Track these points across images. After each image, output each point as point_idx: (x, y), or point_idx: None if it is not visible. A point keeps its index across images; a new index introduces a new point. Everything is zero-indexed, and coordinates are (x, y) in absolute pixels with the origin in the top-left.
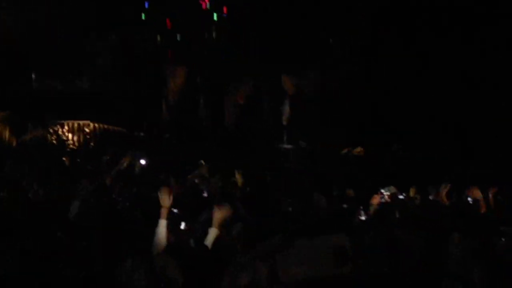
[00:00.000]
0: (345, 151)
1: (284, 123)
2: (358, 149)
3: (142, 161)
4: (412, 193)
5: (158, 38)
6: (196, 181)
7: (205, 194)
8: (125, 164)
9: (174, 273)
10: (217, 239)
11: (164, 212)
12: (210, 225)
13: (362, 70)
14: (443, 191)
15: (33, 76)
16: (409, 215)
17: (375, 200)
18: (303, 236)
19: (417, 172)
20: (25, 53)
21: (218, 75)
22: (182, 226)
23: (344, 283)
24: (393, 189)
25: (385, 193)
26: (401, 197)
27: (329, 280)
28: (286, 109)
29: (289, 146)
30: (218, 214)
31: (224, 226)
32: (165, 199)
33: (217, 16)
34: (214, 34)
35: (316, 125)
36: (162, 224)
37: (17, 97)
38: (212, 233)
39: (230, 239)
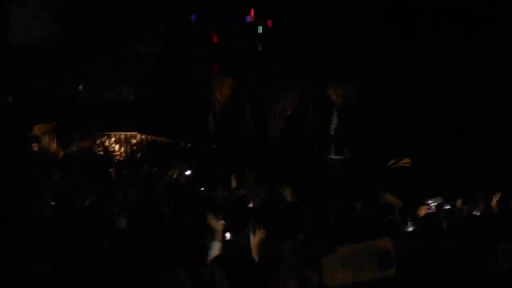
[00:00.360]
0: (392, 162)
1: (331, 133)
2: (406, 160)
3: (187, 172)
4: (459, 203)
5: (204, 51)
6: (242, 192)
7: (251, 205)
8: (173, 176)
9: (222, 284)
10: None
11: (219, 235)
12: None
13: (409, 82)
14: (495, 200)
15: (80, 87)
16: (456, 226)
17: (422, 211)
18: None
19: (463, 182)
20: (70, 63)
21: (264, 86)
22: (228, 236)
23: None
24: (439, 199)
25: (432, 204)
26: (447, 207)
27: (374, 285)
28: (333, 119)
29: (335, 157)
30: (255, 240)
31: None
32: (216, 224)
33: (262, 29)
34: (259, 47)
35: (362, 135)
36: (217, 247)
37: (64, 108)
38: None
39: (277, 251)
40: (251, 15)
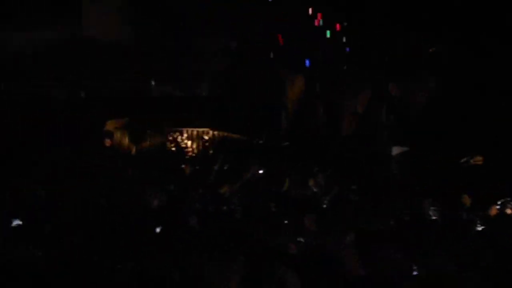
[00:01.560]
0: (464, 159)
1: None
2: (478, 158)
3: (260, 171)
4: None
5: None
6: (314, 189)
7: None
8: (250, 175)
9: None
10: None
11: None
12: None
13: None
14: None
15: (152, 82)
16: None
17: (493, 211)
18: None
19: None
20: (144, 59)
21: (335, 84)
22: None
23: None
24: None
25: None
26: None
27: None
28: (397, 115)
29: (397, 151)
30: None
31: None
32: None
33: (330, 33)
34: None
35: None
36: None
37: (137, 104)
38: None
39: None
40: (318, 19)
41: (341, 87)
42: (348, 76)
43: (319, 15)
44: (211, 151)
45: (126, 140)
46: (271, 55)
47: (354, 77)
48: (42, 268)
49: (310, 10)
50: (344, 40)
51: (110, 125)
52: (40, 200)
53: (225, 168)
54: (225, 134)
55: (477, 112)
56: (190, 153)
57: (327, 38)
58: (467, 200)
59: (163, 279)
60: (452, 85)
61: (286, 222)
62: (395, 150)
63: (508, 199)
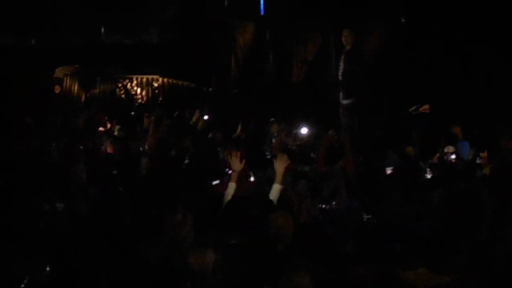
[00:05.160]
0: (413, 108)
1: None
2: (425, 106)
3: (205, 117)
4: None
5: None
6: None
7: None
8: (194, 119)
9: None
10: (281, 195)
11: (234, 175)
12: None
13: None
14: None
15: (102, 30)
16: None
17: (436, 159)
18: None
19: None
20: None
21: (286, 31)
22: (252, 178)
23: None
24: (452, 148)
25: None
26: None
27: None
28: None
29: (345, 101)
30: (279, 165)
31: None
32: (236, 163)
33: None
34: None
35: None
36: (232, 187)
37: (86, 51)
38: (276, 188)
39: (295, 195)
40: None
41: (291, 34)
42: (299, 25)
43: None
44: (160, 98)
45: (76, 87)
46: (224, 3)
47: (304, 26)
48: None
49: None
50: None
51: (59, 72)
52: None
53: (174, 115)
54: (175, 81)
55: (427, 61)
56: (140, 100)
57: None
58: (411, 150)
59: None
60: (404, 34)
61: None
62: (345, 100)
63: (450, 146)
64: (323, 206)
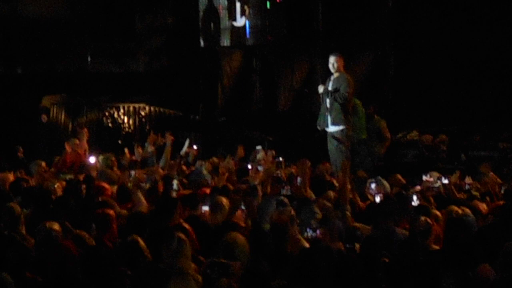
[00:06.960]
0: (400, 135)
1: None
2: (414, 132)
3: (194, 147)
4: (454, 178)
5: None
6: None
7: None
8: (185, 150)
9: None
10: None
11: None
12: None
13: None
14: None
15: (89, 59)
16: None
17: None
18: None
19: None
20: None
21: (273, 59)
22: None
23: None
24: (435, 174)
25: (427, 179)
26: (445, 181)
27: None
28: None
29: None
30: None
31: None
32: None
33: (270, 4)
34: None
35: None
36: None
37: (73, 80)
38: None
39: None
40: None
41: (279, 62)
42: (287, 50)
43: None
44: (147, 127)
45: (62, 116)
46: (211, 31)
47: (292, 53)
48: None
49: None
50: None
51: (46, 101)
52: None
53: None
54: (162, 109)
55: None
56: (126, 129)
57: (267, 9)
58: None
59: None
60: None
61: None
62: (332, 128)
63: (433, 173)
64: (310, 234)
